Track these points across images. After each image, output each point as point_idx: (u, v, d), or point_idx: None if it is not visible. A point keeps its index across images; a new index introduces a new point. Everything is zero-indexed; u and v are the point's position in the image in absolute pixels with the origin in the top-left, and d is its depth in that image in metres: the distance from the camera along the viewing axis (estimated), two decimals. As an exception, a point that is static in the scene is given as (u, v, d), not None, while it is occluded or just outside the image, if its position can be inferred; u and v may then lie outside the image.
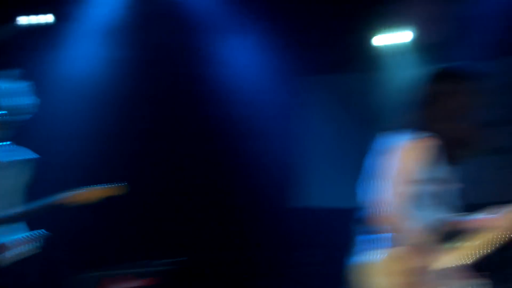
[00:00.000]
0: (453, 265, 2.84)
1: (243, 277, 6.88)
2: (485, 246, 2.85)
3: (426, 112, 2.93)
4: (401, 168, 2.82)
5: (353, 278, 2.89)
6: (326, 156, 7.37)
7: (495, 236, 2.87)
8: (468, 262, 2.85)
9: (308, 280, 6.69)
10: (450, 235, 2.90)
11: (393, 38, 6.94)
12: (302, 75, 7.43)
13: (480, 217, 2.94)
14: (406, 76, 6.69)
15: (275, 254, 6.96)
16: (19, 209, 3.46)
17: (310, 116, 7.51)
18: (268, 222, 6.99)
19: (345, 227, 6.04)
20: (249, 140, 7.00)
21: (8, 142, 3.54)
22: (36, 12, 6.73)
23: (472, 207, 3.02)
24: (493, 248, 2.90)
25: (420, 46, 6.74)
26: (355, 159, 6.52)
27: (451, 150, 2.91)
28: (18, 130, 3.53)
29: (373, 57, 6.98)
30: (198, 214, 7.20)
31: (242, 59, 6.95)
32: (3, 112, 3.44)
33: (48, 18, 6.74)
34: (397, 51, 6.91)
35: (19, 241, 3.45)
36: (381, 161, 2.90)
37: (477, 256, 2.84)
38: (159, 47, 6.85)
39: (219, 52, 6.90)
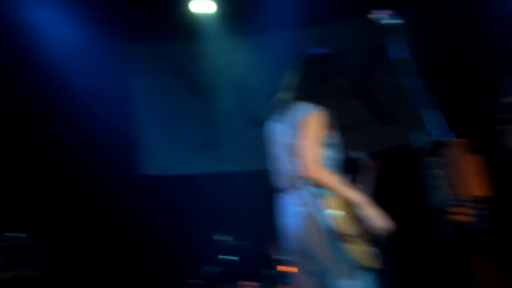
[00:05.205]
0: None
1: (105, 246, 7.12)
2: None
3: (317, 88, 3.49)
4: (313, 134, 3.34)
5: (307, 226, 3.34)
6: (162, 124, 7.51)
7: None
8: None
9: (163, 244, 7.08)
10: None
11: (203, 7, 6.88)
12: (126, 42, 7.40)
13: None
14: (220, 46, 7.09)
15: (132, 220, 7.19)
16: None
17: (142, 84, 7.53)
18: (119, 191, 7.19)
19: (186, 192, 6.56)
20: (85, 113, 7.05)
21: None
22: None
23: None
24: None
25: (223, 16, 6.99)
26: (191, 126, 6.96)
27: (336, 121, 3.46)
28: None
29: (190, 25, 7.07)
30: (51, 191, 7.14)
31: (60, 30, 6.77)
32: None
33: None
34: (208, 20, 7.01)
35: None
36: (291, 130, 3.42)
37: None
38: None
39: (33, 24, 6.67)
